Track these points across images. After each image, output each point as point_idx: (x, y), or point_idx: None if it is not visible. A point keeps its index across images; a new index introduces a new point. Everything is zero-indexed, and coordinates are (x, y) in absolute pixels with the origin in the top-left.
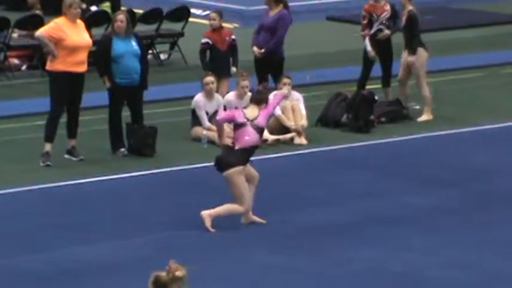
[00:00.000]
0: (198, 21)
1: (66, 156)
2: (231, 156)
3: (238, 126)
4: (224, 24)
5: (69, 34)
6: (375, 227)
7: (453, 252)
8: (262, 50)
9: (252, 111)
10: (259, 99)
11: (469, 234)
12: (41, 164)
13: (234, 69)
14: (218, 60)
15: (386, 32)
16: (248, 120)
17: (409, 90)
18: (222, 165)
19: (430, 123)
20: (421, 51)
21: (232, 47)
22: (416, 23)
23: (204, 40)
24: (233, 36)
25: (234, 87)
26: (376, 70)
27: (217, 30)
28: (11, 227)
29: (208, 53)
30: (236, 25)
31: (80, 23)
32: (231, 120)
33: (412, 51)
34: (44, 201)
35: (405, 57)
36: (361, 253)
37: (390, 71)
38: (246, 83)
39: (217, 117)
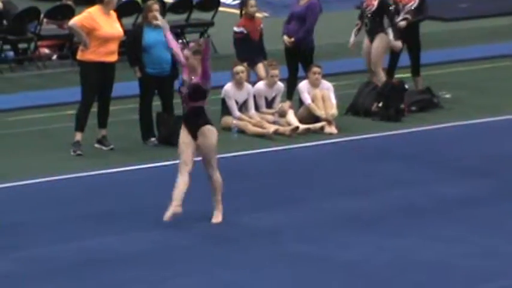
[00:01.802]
0: (228, 11)
1: (97, 145)
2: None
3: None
4: None
5: (101, 24)
6: (405, 217)
7: (484, 242)
8: (292, 39)
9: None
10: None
11: (500, 224)
12: (72, 154)
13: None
14: (251, 49)
15: (402, 22)
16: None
17: (383, 76)
18: None
19: (461, 112)
20: (383, 37)
21: (261, 36)
22: (385, 10)
23: (239, 29)
24: (262, 25)
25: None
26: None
27: (251, 19)
28: (43, 216)
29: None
30: (266, 14)
31: (113, 13)
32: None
33: (373, 37)
34: (74, 190)
35: (367, 44)
36: (391, 242)
37: (419, 60)
38: (275, 72)
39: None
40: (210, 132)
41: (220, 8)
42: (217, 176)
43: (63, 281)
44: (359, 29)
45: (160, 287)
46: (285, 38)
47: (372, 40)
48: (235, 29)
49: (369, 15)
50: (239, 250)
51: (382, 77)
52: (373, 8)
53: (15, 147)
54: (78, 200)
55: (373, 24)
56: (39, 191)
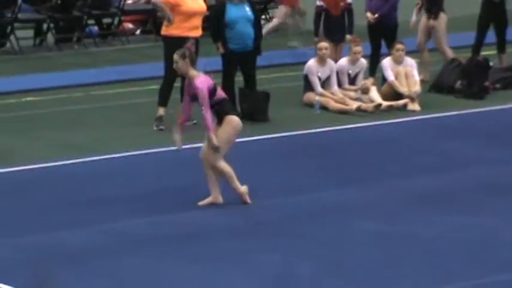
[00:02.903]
0: None
1: None
2: None
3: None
4: None
5: (185, 0)
6: (486, 195)
7: None
8: (376, 15)
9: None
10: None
11: None
12: (154, 128)
13: (348, 36)
14: (330, 25)
15: None
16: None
17: (428, 56)
18: None
19: None
20: (441, 15)
21: (348, 12)
22: None
23: (320, 3)
24: (349, 0)
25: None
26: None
27: None
28: (128, 190)
29: (322, 16)
30: None
31: None
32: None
33: (433, 15)
34: (157, 164)
35: (424, 21)
36: (472, 221)
37: (505, 37)
38: (358, 48)
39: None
40: (225, 124)
41: None
42: (220, 166)
43: (147, 253)
44: (420, 8)
45: (245, 260)
46: (369, 14)
47: (430, 18)
48: (318, 2)
49: None
50: (320, 226)
51: (449, 53)
52: None
53: (99, 121)
54: (161, 174)
55: (432, 3)
56: (123, 164)
